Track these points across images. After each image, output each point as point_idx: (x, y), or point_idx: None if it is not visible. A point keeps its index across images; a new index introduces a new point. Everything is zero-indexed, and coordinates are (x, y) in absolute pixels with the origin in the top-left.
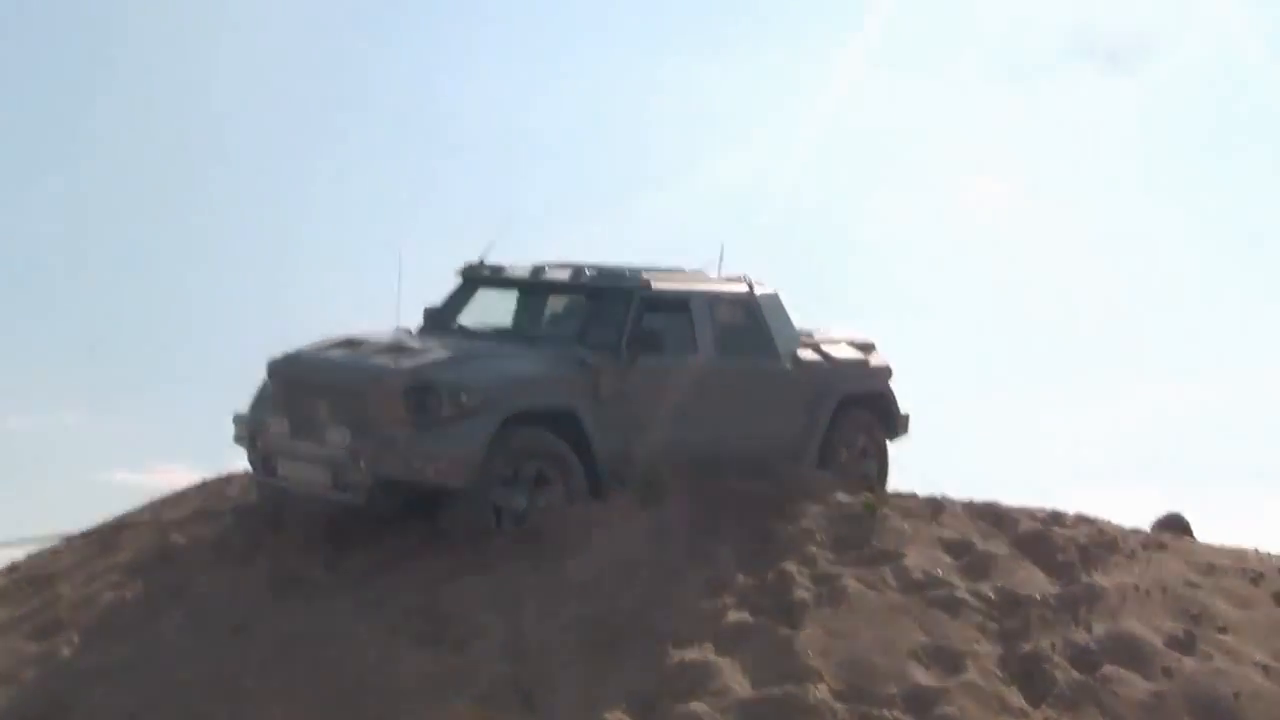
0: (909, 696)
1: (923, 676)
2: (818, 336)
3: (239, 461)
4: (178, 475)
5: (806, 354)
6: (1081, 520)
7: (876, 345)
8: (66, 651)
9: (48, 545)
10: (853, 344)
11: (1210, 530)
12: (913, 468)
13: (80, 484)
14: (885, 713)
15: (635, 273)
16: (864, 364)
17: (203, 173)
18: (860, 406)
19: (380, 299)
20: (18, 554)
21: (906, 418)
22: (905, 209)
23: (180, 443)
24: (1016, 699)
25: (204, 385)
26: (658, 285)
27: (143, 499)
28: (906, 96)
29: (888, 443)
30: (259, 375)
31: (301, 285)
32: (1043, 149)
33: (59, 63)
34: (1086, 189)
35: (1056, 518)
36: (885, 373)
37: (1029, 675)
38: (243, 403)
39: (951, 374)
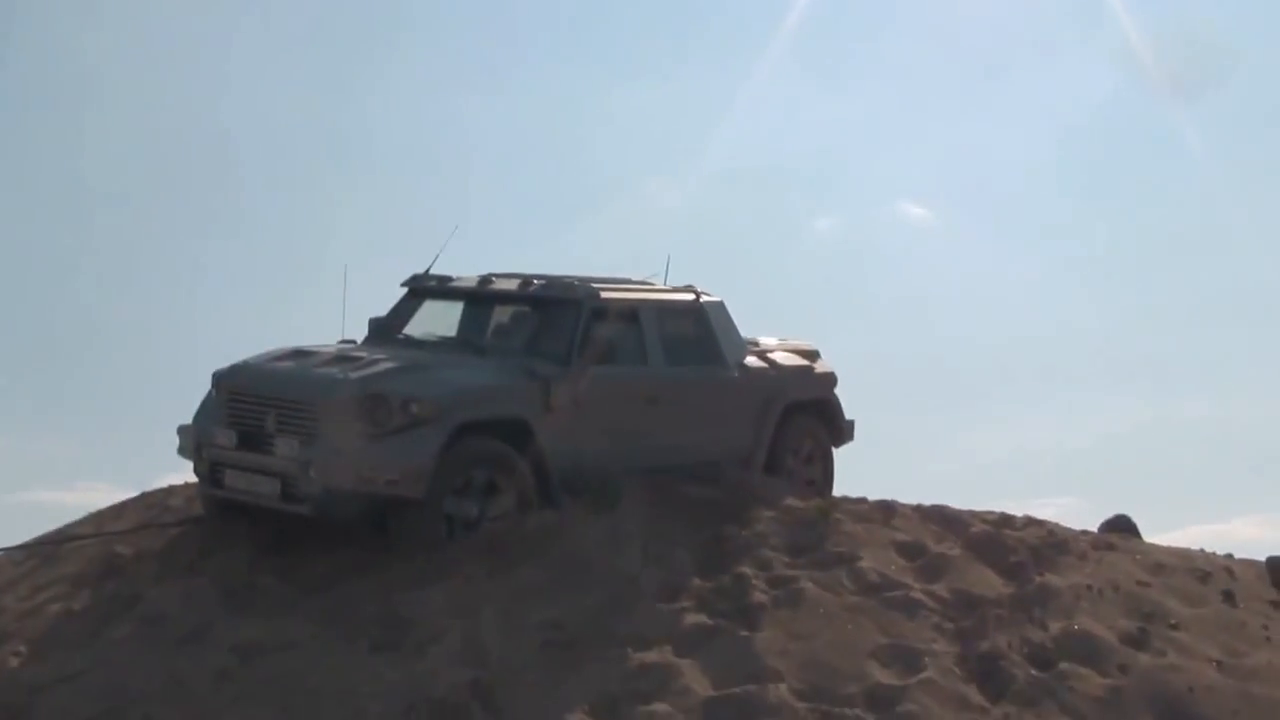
0: (870, 695)
1: (882, 675)
2: (763, 344)
3: (167, 476)
4: (100, 493)
5: (753, 362)
6: (1031, 523)
7: (821, 353)
8: (15, 662)
9: None
10: (798, 351)
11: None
12: (856, 474)
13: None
14: (846, 711)
15: (584, 283)
16: (809, 371)
17: (136, 184)
18: (806, 413)
19: (309, 314)
20: None
21: (851, 424)
22: (839, 226)
23: (103, 461)
24: (976, 696)
25: (126, 404)
26: (607, 295)
27: (65, 517)
28: (831, 116)
29: (833, 449)
30: (189, 391)
31: (229, 302)
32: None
33: None
34: (1021, 205)
35: (1006, 520)
36: (830, 380)
37: (987, 673)
38: (173, 418)
39: (887, 385)
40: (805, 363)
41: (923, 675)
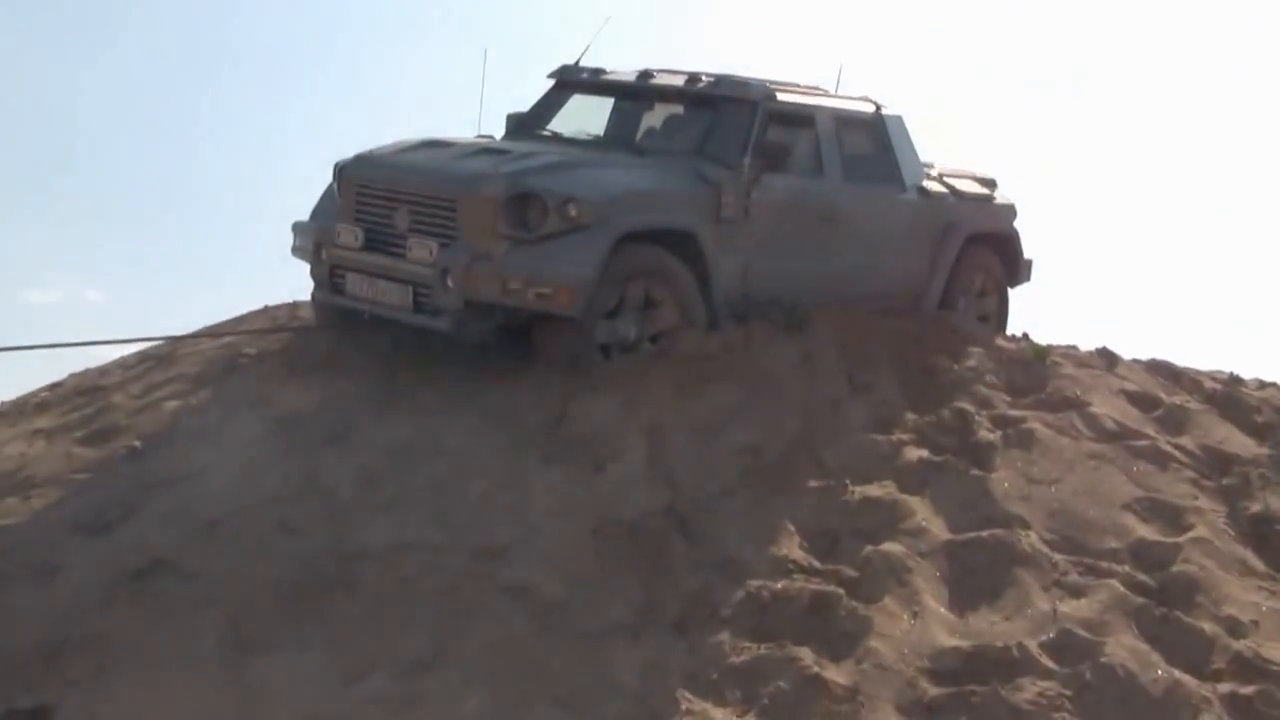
0: (1135, 551)
1: (1144, 531)
2: (939, 169)
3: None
4: None
5: (932, 186)
6: (1265, 384)
7: (998, 182)
8: (125, 455)
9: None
10: (976, 179)
11: None
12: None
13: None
14: (1115, 566)
15: (758, 82)
16: (990, 200)
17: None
18: (985, 246)
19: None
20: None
21: (1030, 263)
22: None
23: (198, 318)
24: (1256, 562)
25: (223, 259)
26: (783, 96)
27: None
28: None
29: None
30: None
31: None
32: None
33: None
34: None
35: (1237, 379)
36: (1011, 212)
37: (1263, 538)
38: (258, 262)
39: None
40: (985, 191)
41: (1193, 534)
